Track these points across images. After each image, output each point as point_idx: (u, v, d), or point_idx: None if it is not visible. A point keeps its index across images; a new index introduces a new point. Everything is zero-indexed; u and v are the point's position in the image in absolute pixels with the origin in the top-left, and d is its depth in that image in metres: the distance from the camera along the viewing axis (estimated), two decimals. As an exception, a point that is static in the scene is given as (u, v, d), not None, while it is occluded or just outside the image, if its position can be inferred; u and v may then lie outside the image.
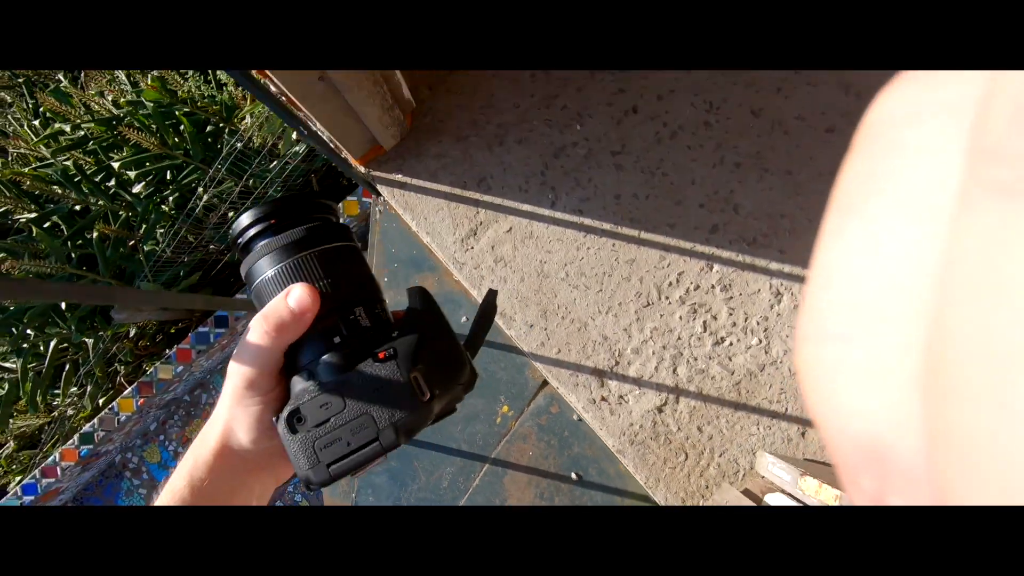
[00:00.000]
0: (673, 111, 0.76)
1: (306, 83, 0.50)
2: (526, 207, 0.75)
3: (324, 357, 0.27)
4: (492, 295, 0.34)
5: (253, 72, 0.48)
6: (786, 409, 0.73)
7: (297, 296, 0.27)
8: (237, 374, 0.27)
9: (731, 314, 0.74)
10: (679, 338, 0.74)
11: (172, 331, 1.79)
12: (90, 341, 1.76)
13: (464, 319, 0.87)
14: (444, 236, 0.75)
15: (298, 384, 0.28)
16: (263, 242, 0.30)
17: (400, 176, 0.75)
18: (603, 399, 0.74)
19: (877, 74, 0.65)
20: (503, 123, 0.76)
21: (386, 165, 0.75)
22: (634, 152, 0.75)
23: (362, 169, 0.74)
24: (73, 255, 1.79)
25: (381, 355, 0.27)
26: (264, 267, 0.29)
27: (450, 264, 0.74)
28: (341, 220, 0.32)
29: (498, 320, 0.75)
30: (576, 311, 0.74)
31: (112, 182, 1.66)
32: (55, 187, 1.58)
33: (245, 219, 0.30)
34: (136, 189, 1.63)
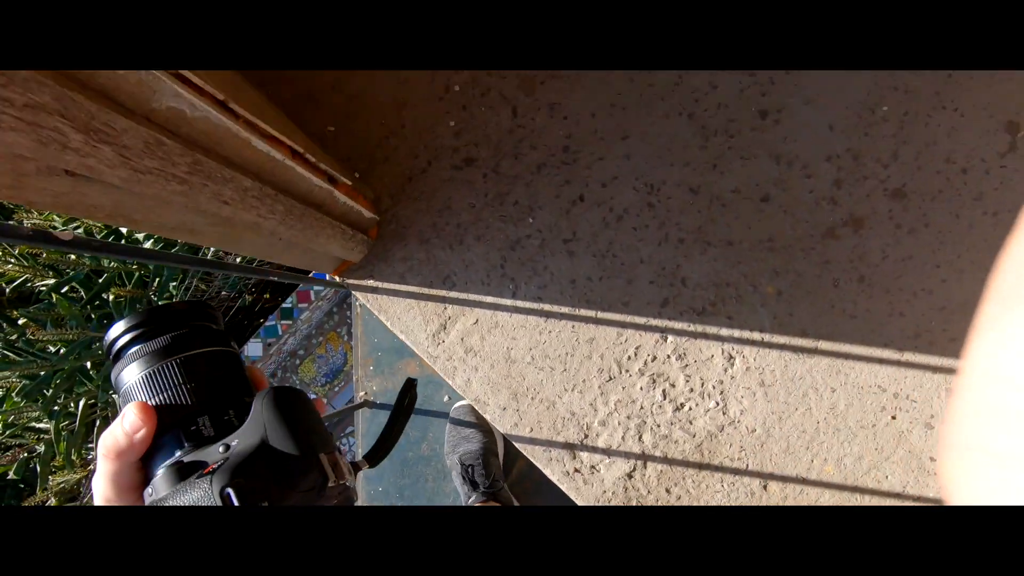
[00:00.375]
0: (617, 196, 0.81)
1: (268, 245, 0.57)
2: (489, 299, 0.81)
3: (160, 471, 0.27)
4: (409, 385, 0.37)
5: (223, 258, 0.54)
6: (747, 465, 0.79)
7: (129, 419, 0.27)
8: (98, 496, 0.27)
9: (688, 381, 0.80)
10: (642, 407, 0.80)
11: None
12: (117, 397, 1.86)
13: (447, 399, 0.94)
14: (417, 333, 0.81)
15: (145, 499, 0.27)
16: (130, 350, 0.30)
17: (372, 281, 0.81)
18: (576, 471, 0.80)
19: (807, 143, 0.70)
20: (461, 223, 0.82)
21: (358, 272, 0.81)
22: (584, 238, 0.81)
23: (336, 279, 0.81)
24: (93, 316, 1.89)
25: (209, 468, 0.26)
26: (129, 375, 0.30)
27: (425, 358, 0.81)
28: (219, 327, 0.33)
29: (474, 404, 0.82)
30: (544, 391, 0.80)
31: (123, 243, 1.76)
32: (70, 255, 1.69)
33: (116, 329, 0.30)
34: (146, 247, 1.73)
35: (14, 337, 1.73)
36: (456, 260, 0.82)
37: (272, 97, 0.83)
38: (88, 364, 1.73)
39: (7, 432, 1.78)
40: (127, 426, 0.27)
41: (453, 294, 0.81)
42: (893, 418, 0.78)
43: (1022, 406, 0.10)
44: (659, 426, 0.79)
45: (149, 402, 0.29)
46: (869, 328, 0.79)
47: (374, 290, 0.81)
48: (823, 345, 0.79)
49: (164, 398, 0.29)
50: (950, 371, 0.78)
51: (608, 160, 0.82)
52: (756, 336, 0.80)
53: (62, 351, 1.76)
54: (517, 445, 0.81)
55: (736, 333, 0.80)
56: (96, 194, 0.32)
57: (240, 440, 0.27)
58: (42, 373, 1.71)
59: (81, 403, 1.76)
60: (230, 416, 0.30)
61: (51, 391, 1.78)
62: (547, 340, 0.81)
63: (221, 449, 0.27)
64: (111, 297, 1.70)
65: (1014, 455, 0.10)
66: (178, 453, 0.28)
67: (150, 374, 0.29)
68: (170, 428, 0.28)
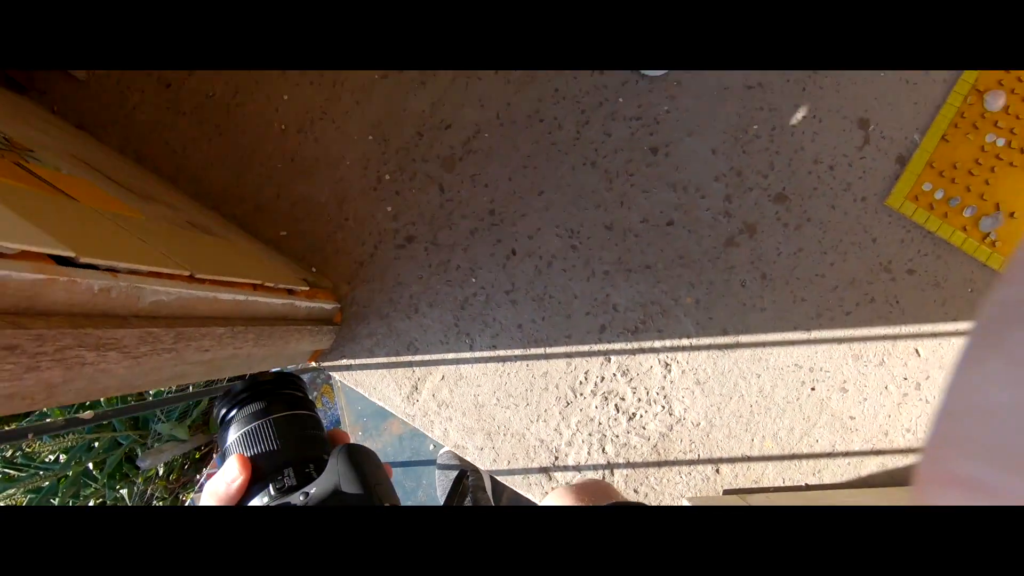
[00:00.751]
0: (544, 245, 0.93)
1: (246, 363, 0.67)
2: (450, 355, 0.91)
3: None
4: (461, 476, 0.46)
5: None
6: (698, 455, 0.90)
7: (230, 470, 0.33)
8: None
9: (634, 392, 0.91)
10: (600, 424, 0.91)
11: (197, 456, 1.94)
12: (125, 491, 1.92)
13: (432, 447, 1.04)
14: (393, 398, 0.91)
15: None
16: (231, 414, 0.36)
17: (345, 360, 0.92)
18: (554, 490, 0.90)
19: (696, 169, 0.83)
20: (413, 294, 0.93)
21: (331, 356, 0.91)
22: (522, 287, 0.92)
23: (312, 364, 0.91)
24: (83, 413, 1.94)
25: None
26: (232, 434, 0.36)
27: (404, 418, 0.91)
28: (304, 394, 0.39)
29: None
30: (513, 426, 0.91)
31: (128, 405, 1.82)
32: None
33: (221, 400, 0.37)
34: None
35: (9, 453, 1.78)
36: (415, 327, 0.92)
37: (227, 214, 0.93)
38: (90, 465, 1.79)
39: (23, 549, 1.82)
40: (227, 476, 0.32)
41: (418, 357, 0.92)
42: (813, 389, 0.90)
43: (986, 436, 0.10)
44: (617, 436, 0.91)
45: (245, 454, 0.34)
46: (778, 317, 0.91)
47: (348, 367, 0.91)
48: (743, 339, 0.91)
49: (257, 452, 0.34)
50: (852, 340, 0.91)
51: (530, 215, 0.93)
52: (685, 342, 0.91)
53: (62, 458, 1.81)
54: (498, 477, 0.91)
55: (668, 343, 0.91)
56: (106, 380, 0.42)
57: (318, 487, 0.32)
58: (46, 484, 1.76)
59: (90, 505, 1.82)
60: (310, 469, 0.34)
61: (58, 499, 1.83)
62: (507, 381, 0.91)
63: (301, 497, 0.32)
64: (103, 398, 1.76)
65: (978, 480, 0.10)
66: (266, 499, 0.32)
67: (247, 433, 0.35)
68: (261, 478, 0.33)
